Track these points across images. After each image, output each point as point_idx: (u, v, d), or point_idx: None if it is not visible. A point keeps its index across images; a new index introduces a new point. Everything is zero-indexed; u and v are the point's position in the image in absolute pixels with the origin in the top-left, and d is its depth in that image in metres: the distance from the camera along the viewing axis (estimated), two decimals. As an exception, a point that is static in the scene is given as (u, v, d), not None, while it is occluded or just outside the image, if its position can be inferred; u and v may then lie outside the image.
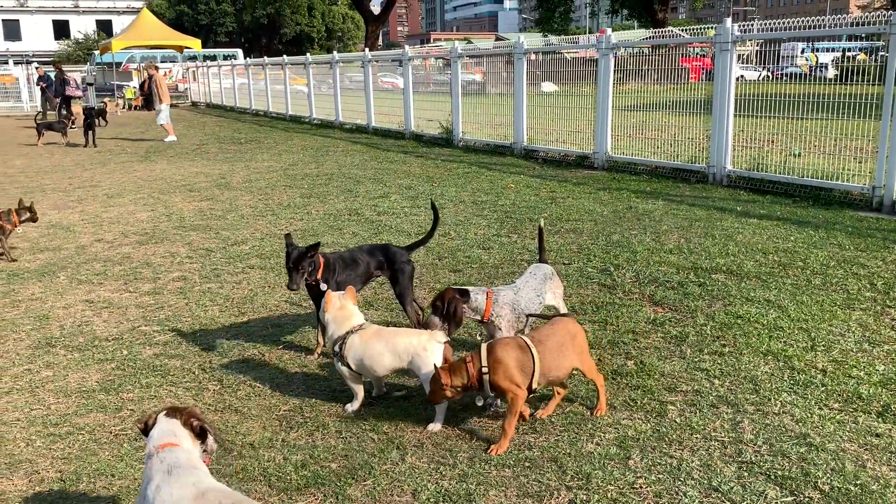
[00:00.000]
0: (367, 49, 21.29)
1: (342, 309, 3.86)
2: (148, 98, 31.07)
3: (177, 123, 24.19)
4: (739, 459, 3.28)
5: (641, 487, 3.09)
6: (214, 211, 9.24)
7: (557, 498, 3.03)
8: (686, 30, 12.74)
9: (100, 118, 18.07)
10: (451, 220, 8.19)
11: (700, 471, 3.20)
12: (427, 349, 3.62)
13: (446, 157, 13.65)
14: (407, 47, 17.90)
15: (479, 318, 3.99)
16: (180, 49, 39.90)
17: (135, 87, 34.29)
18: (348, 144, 16.31)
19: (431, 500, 3.04)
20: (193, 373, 4.42)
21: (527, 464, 3.28)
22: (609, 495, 3.04)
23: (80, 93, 23.98)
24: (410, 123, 16.88)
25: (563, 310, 4.36)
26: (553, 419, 3.68)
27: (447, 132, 15.44)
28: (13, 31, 64.42)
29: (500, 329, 3.95)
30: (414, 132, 16.74)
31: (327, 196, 10.00)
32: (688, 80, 12.21)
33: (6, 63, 40.59)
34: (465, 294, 3.93)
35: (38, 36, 64.53)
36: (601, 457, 3.32)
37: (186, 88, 37.95)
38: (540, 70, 13.85)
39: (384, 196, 9.84)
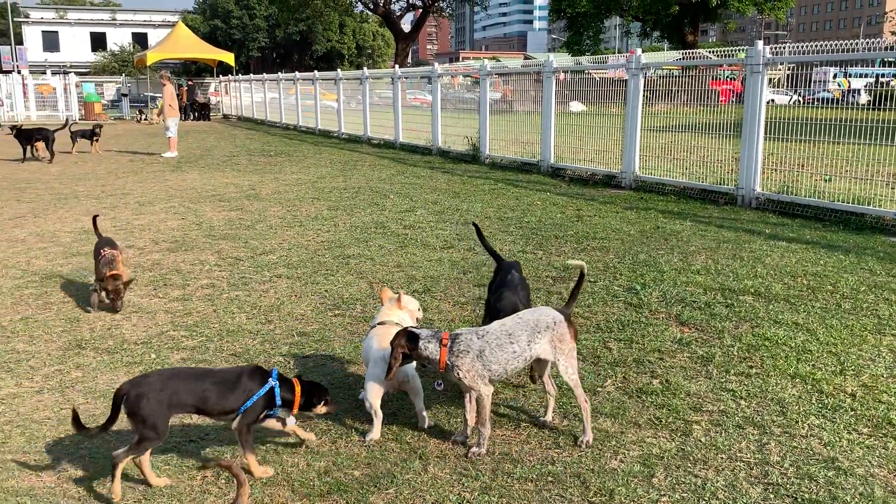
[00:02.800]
0: (396, 66, 21.50)
1: (387, 306, 4.10)
2: (184, 109, 31.68)
3: (208, 135, 24.59)
4: (765, 481, 3.24)
5: (665, 505, 3.06)
6: (243, 221, 9.35)
7: (580, 513, 3.02)
8: (716, 51, 12.71)
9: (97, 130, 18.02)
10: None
11: (725, 491, 3.16)
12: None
13: (472, 173, 13.71)
14: (436, 64, 18.04)
15: (433, 367, 3.46)
16: (214, 63, 40.58)
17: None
18: (376, 159, 16.44)
19: (453, 510, 3.04)
20: (220, 378, 4.46)
21: (549, 479, 3.27)
22: (632, 512, 3.02)
23: None
24: (437, 140, 16.98)
25: (565, 376, 3.52)
26: (578, 434, 3.67)
27: (474, 149, 15.51)
28: (52, 43, 66.00)
29: (463, 381, 3.39)
30: (441, 148, 16.83)
31: (354, 209, 10.08)
32: (717, 102, 12.16)
33: (44, 73, 41.54)
34: (413, 339, 3.39)
35: (76, 48, 66.03)
36: (625, 474, 3.30)
37: (218, 101, 38.53)
38: (568, 89, 13.89)
39: (410, 210, 9.90)
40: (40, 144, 16.64)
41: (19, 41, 56.09)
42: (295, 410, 3.41)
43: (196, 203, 10.76)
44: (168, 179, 13.48)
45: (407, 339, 3.38)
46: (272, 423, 3.44)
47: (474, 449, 3.46)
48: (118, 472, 3.14)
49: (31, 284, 6.50)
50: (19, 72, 37.48)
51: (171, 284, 6.48)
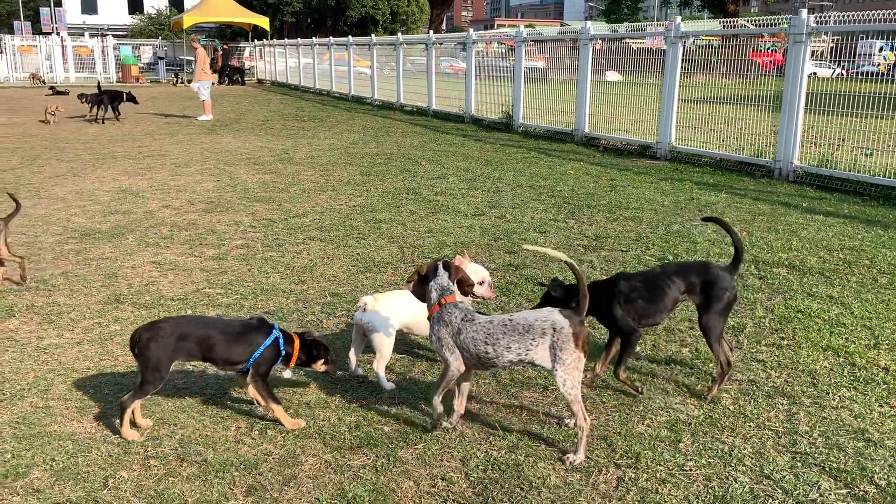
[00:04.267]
0: (430, 32, 21.32)
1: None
2: (220, 73, 31.89)
3: (242, 99, 24.72)
4: (793, 450, 3.24)
5: (691, 470, 3.08)
6: (277, 184, 9.43)
7: (606, 474, 3.05)
8: (758, 20, 12.40)
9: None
10: (507, 204, 8.20)
11: (752, 458, 3.17)
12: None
13: (505, 141, 13.63)
14: (471, 30, 17.86)
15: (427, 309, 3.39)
16: (249, 26, 40.60)
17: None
18: (408, 126, 16.41)
19: (480, 467, 3.10)
20: (253, 335, 4.55)
21: (576, 439, 3.30)
22: (658, 475, 3.04)
23: None
24: (471, 107, 16.88)
25: (561, 389, 3.10)
26: (605, 399, 3.69)
27: (507, 117, 15.40)
28: (90, 5, 66.46)
29: (434, 344, 3.31)
30: (474, 116, 16.74)
31: (386, 175, 10.10)
32: (757, 74, 11.90)
33: (82, 35, 41.94)
34: (432, 272, 3.36)
35: (113, 10, 66.44)
36: (651, 438, 3.32)
37: (253, 66, 38.63)
38: (605, 58, 13.68)
39: (442, 177, 9.90)
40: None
41: (58, 3, 56.61)
42: (292, 363, 3.50)
43: (231, 165, 10.87)
44: (203, 142, 13.62)
45: (430, 270, 3.36)
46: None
47: (429, 424, 3.40)
48: (126, 416, 3.31)
49: (70, 241, 6.65)
50: (58, 33, 37.90)
51: (206, 244, 6.59)
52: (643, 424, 3.45)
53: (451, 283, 3.35)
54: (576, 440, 3.20)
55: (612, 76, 13.71)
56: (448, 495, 2.90)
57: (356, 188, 9.17)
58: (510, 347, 3.12)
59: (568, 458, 3.13)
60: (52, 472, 3.07)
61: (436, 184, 9.41)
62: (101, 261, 6.07)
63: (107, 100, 16.97)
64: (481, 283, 3.97)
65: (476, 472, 3.06)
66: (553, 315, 3.13)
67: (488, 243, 6.61)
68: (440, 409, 3.31)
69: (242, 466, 3.10)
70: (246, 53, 40.41)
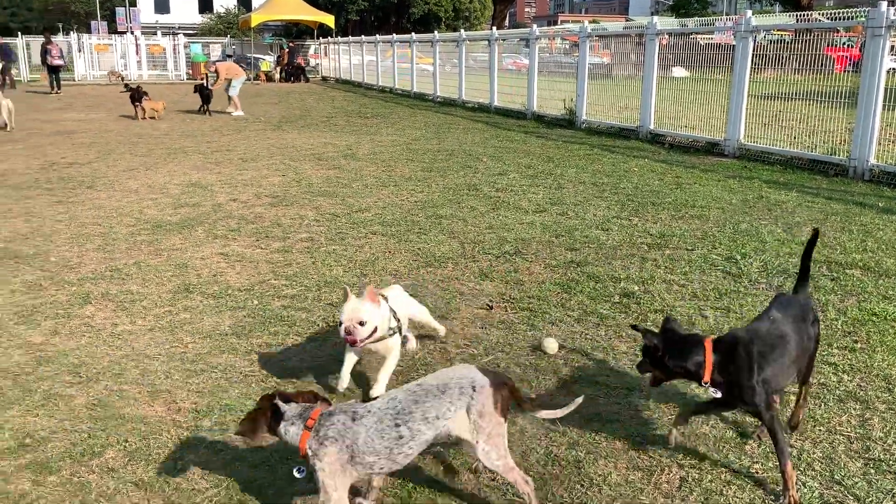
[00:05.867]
0: (493, 28, 21.28)
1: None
2: (288, 71, 32.56)
3: (307, 96, 25.13)
4: (866, 456, 3.12)
5: (757, 473, 3.01)
6: (341, 179, 9.57)
7: (668, 474, 3.00)
8: (833, 14, 11.96)
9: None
10: (569, 200, 8.13)
11: (822, 463, 3.07)
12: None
13: (567, 138, 13.50)
14: (534, 26, 17.75)
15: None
16: (314, 24, 41.25)
17: (271, 61, 35.79)
18: (469, 122, 16.42)
19: (540, 462, 3.09)
20: (318, 325, 4.64)
21: (638, 439, 3.26)
22: (722, 476, 2.98)
23: (60, 61, 25.68)
24: (533, 104, 16.78)
25: (487, 463, 2.62)
26: (670, 399, 3.63)
27: (570, 113, 15.25)
28: (163, 5, 68.53)
29: (320, 474, 2.49)
30: (536, 112, 16.64)
31: (447, 171, 10.14)
32: (832, 70, 11.47)
33: (155, 34, 43.30)
34: (276, 414, 2.61)
35: (184, 10, 68.36)
36: (716, 439, 3.25)
37: (318, 64, 39.23)
38: (671, 54, 13.41)
39: (503, 173, 9.87)
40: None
41: (133, 3, 58.60)
42: None
43: (296, 161, 11.08)
44: (269, 138, 13.91)
45: (268, 415, 2.62)
46: None
47: None
48: None
49: (143, 231, 6.89)
50: (132, 33, 39.24)
51: (272, 236, 6.74)
52: (707, 425, 3.37)
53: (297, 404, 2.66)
54: None
55: (679, 72, 13.42)
56: (508, 489, 2.90)
57: (417, 184, 9.23)
58: (427, 418, 2.52)
59: None
60: (126, 453, 3.19)
61: (497, 180, 9.39)
62: (171, 251, 6.27)
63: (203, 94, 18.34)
64: (362, 324, 3.40)
65: (536, 467, 3.05)
66: (471, 372, 2.63)
67: (549, 240, 6.56)
68: None
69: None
70: (311, 51, 41.06)
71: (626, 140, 13.03)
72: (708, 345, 2.84)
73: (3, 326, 4.59)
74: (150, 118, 17.07)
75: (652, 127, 12.96)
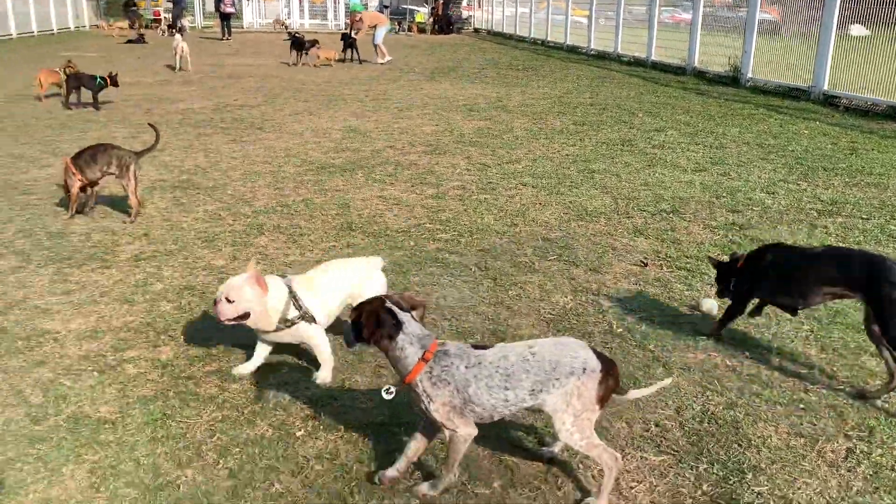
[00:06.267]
0: (656, -21, 20.28)
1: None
2: (441, 23, 32.83)
3: (459, 48, 25.22)
4: None
5: (935, 454, 2.83)
6: (491, 130, 9.62)
7: (834, 444, 2.89)
8: None
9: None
10: (732, 161, 7.76)
11: None
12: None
13: (730, 96, 12.80)
14: (701, -22, 16.77)
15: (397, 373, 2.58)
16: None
17: (425, 13, 36.08)
18: (625, 77, 15.91)
19: (696, 419, 3.06)
20: (470, 269, 4.76)
21: (801, 405, 3.15)
22: (894, 452, 2.83)
23: (231, 9, 26.68)
24: (694, 59, 15.99)
25: (568, 441, 2.50)
26: (836, 370, 3.46)
27: (734, 70, 14.42)
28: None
29: (432, 412, 2.48)
30: (696, 68, 15.85)
31: (601, 125, 9.93)
32: None
33: (316, -16, 44.54)
34: (395, 324, 2.51)
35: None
36: (889, 414, 3.08)
37: (470, 16, 39.15)
38: (850, 11, 12.28)
39: (660, 130, 9.55)
40: (313, 51, 18.37)
41: (296, -46, 60.56)
42: None
43: (448, 111, 11.22)
44: (423, 88, 14.14)
45: (386, 319, 2.50)
46: None
47: (423, 487, 2.63)
48: None
49: (309, 172, 7.28)
50: (295, -18, 40.67)
51: (426, 183, 6.92)
52: (880, 400, 3.20)
53: (417, 321, 2.59)
54: (600, 483, 2.58)
55: (858, 30, 12.30)
56: (661, 441, 2.91)
57: (569, 137, 9.11)
58: (534, 392, 2.46)
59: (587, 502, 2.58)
60: (299, 368, 3.45)
61: (653, 136, 9.10)
62: (334, 192, 6.59)
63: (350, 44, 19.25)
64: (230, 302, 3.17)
65: (691, 423, 3.03)
66: (583, 351, 2.51)
67: (709, 200, 6.33)
68: (449, 482, 2.62)
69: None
70: (464, 3, 40.98)
71: (796, 101, 12.17)
72: None
73: (189, 249, 5.05)
74: (323, 66, 17.86)
75: (826, 88, 12.02)
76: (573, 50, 22.84)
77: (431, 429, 2.59)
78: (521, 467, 2.76)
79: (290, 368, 3.48)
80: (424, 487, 2.61)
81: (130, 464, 2.77)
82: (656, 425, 3.01)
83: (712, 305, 4.05)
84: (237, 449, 2.86)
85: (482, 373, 2.44)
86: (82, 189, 5.68)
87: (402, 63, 19.21)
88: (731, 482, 2.67)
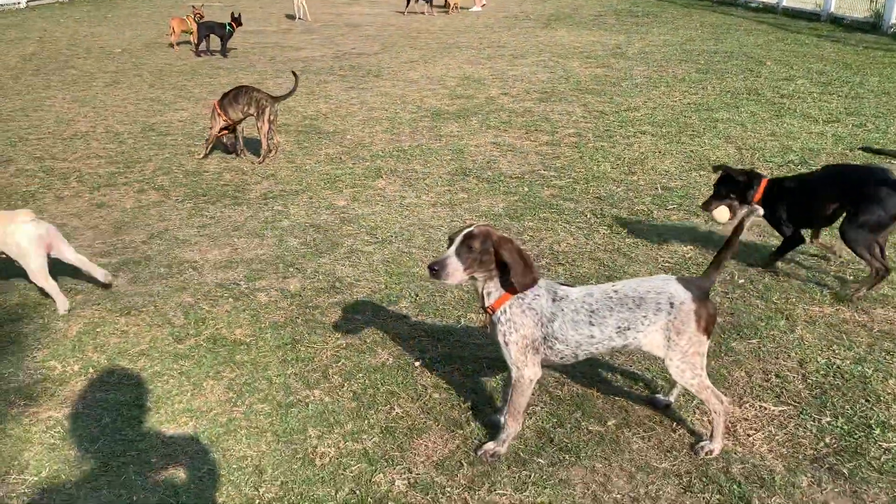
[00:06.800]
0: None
1: None
2: None
3: (575, -6, 24.45)
4: None
5: None
6: (609, 77, 9.37)
7: (972, 405, 2.75)
8: None
9: None
10: (869, 112, 7.26)
11: None
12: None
13: (870, 44, 11.87)
14: (845, -87, 15.48)
15: (481, 304, 2.53)
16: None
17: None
18: (752, 23, 15.02)
19: (821, 372, 2.97)
20: (585, 216, 4.73)
21: (712, 426, 3.00)
22: None
23: None
24: (830, 4, 14.88)
25: (680, 380, 2.47)
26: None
27: (876, 16, 13.33)
28: None
29: (510, 344, 2.44)
30: (832, 14, 14.75)
31: (725, 73, 9.47)
32: None
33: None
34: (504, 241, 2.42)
35: None
36: None
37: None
38: None
39: (789, 79, 9.01)
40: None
41: None
42: None
43: (564, 58, 11.00)
44: (539, 35, 13.89)
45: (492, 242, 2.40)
46: None
47: (489, 445, 2.58)
48: None
49: (423, 119, 7.36)
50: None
51: (540, 130, 6.87)
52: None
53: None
54: (711, 426, 2.54)
55: None
56: (782, 392, 2.85)
57: (691, 85, 8.76)
58: (621, 330, 2.41)
59: (703, 447, 2.53)
60: (416, 305, 3.59)
61: (781, 85, 8.61)
62: (449, 138, 6.65)
63: None
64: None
65: (815, 376, 2.95)
66: (672, 285, 2.42)
67: (842, 152, 5.97)
68: (515, 432, 2.58)
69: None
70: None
71: (947, 48, 11.17)
72: None
73: (313, 190, 5.27)
74: (439, 13, 17.98)
75: (984, 33, 10.95)
76: (697, -5, 21.71)
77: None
78: (637, 409, 2.78)
79: (407, 302, 3.62)
80: (490, 446, 2.56)
81: (264, 382, 2.98)
82: (777, 376, 2.95)
83: (723, 212, 3.84)
84: (360, 374, 3.02)
85: (568, 307, 2.41)
86: (228, 130, 5.98)
87: (517, 10, 18.87)
88: (856, 436, 2.60)
